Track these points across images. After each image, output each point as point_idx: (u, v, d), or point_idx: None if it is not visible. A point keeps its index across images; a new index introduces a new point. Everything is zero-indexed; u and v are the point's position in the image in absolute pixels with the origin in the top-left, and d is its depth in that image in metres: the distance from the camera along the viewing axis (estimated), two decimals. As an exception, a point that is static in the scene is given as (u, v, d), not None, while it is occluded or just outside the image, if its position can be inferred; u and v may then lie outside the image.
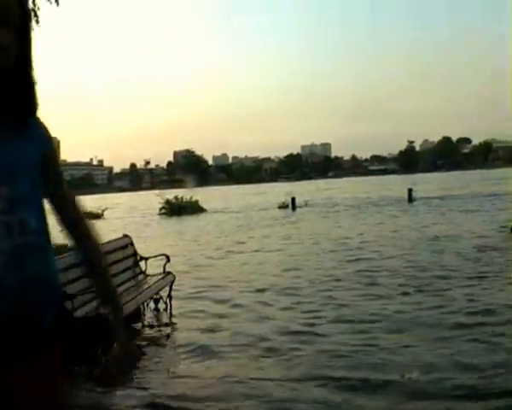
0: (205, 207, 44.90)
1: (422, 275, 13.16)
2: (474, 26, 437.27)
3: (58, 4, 14.72)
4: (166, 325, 10.24)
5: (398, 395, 6.18)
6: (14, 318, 1.90)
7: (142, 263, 11.32)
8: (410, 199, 43.50)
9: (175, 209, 42.93)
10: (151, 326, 10.15)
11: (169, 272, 11.22)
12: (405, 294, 11.31)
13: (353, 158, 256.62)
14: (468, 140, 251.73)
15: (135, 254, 11.33)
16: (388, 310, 10.06)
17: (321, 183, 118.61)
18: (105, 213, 44.98)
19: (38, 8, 14.19)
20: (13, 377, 1.97)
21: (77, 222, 2.31)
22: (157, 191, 51.80)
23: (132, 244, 11.33)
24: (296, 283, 13.04)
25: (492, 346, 7.59)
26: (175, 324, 10.18)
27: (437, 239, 19.66)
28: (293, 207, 42.75)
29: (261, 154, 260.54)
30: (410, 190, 44.25)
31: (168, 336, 9.55)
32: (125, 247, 11.08)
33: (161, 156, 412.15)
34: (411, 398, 6.11)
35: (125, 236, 11.53)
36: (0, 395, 2.00)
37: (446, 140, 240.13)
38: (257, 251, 19.56)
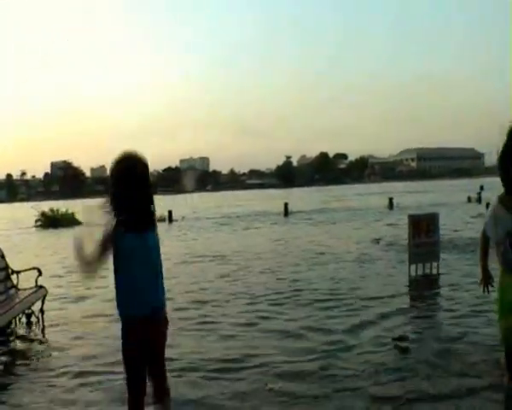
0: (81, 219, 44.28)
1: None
2: (352, 47, 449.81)
3: None
4: (38, 340, 10.00)
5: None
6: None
7: (13, 276, 11.13)
8: (286, 213, 44.38)
9: (51, 222, 42.25)
10: (22, 342, 9.93)
11: (41, 286, 11.06)
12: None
13: (232, 172, 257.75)
14: (344, 156, 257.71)
15: (6, 267, 11.10)
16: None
17: (199, 196, 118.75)
18: (-24, 225, 43.64)
19: None
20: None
21: None
22: (32, 203, 50.71)
23: (3, 257, 11.09)
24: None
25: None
26: (47, 338, 10.00)
27: (309, 251, 20.20)
28: (170, 220, 42.69)
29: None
30: (286, 205, 45.13)
31: (39, 351, 9.31)
32: (-5, 260, 10.85)
33: (38, 167, 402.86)
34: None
35: (-4, 248, 11.28)
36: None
37: (323, 155, 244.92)
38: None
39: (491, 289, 6.15)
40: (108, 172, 4.70)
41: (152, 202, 4.73)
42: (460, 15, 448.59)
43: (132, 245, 4.55)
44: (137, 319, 4.61)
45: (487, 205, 33.86)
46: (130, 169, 4.57)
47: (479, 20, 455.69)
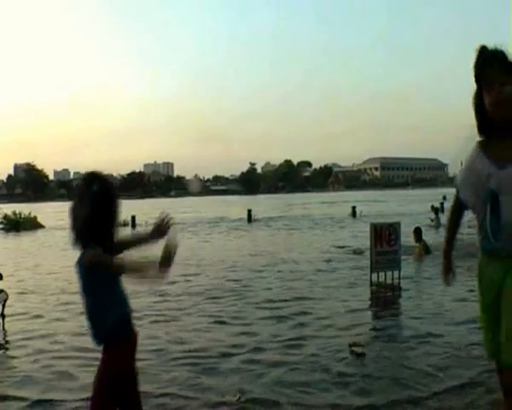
0: (43, 223, 44.15)
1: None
2: (320, 61, 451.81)
3: None
4: (-1, 345, 9.90)
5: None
6: None
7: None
8: (250, 219, 44.49)
9: (13, 225, 41.93)
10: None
11: (1, 290, 10.96)
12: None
13: (196, 178, 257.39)
14: (308, 164, 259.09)
15: (-34, 271, 10.99)
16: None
17: (163, 201, 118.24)
18: None
19: None
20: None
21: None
22: (-5, 206, 50.22)
23: (-37, 261, 11.00)
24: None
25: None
26: (8, 344, 9.86)
27: (271, 257, 20.37)
28: (134, 225, 42.48)
29: (103, 170, 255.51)
30: (249, 211, 45.26)
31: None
32: (-45, 264, 10.75)
33: (0, 169, 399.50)
34: None
35: (-44, 252, 11.18)
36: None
37: (288, 163, 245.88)
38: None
39: (452, 281, 4.51)
40: (81, 189, 4.25)
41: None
42: (425, 28, 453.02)
43: None
44: (131, 330, 4.21)
45: (435, 209, 34.12)
46: (112, 190, 4.31)
47: (443, 32, 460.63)
